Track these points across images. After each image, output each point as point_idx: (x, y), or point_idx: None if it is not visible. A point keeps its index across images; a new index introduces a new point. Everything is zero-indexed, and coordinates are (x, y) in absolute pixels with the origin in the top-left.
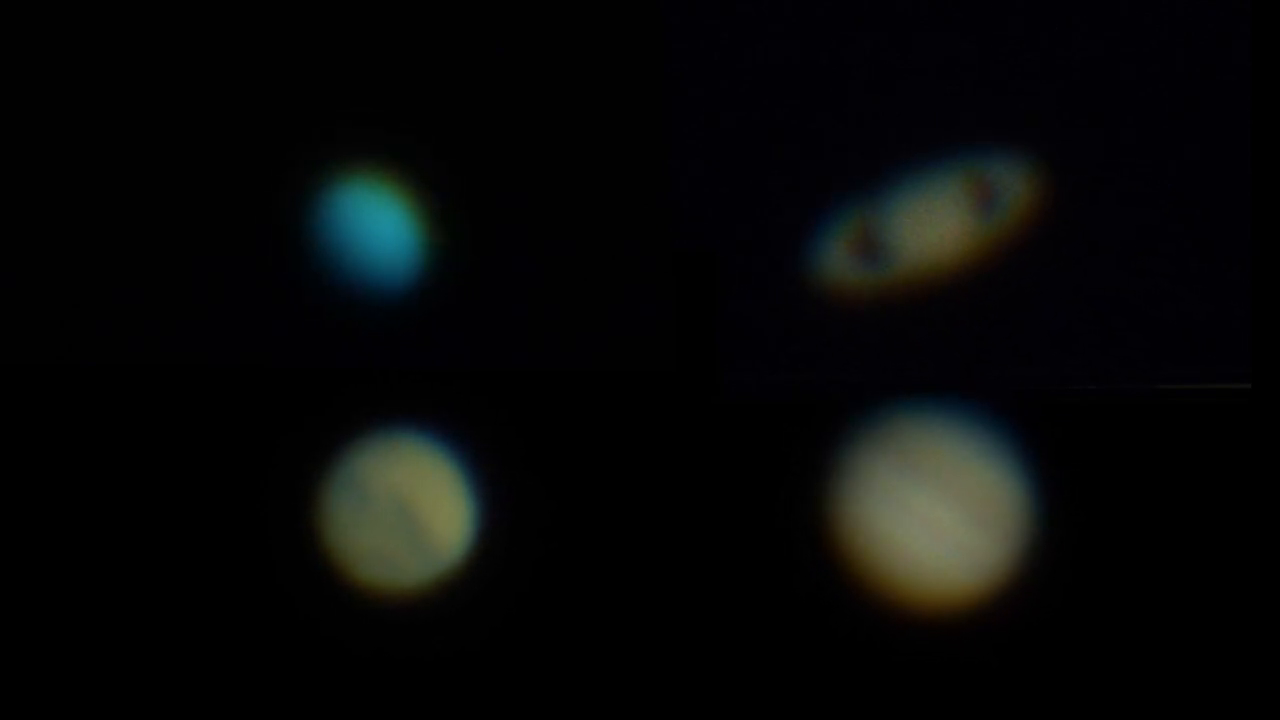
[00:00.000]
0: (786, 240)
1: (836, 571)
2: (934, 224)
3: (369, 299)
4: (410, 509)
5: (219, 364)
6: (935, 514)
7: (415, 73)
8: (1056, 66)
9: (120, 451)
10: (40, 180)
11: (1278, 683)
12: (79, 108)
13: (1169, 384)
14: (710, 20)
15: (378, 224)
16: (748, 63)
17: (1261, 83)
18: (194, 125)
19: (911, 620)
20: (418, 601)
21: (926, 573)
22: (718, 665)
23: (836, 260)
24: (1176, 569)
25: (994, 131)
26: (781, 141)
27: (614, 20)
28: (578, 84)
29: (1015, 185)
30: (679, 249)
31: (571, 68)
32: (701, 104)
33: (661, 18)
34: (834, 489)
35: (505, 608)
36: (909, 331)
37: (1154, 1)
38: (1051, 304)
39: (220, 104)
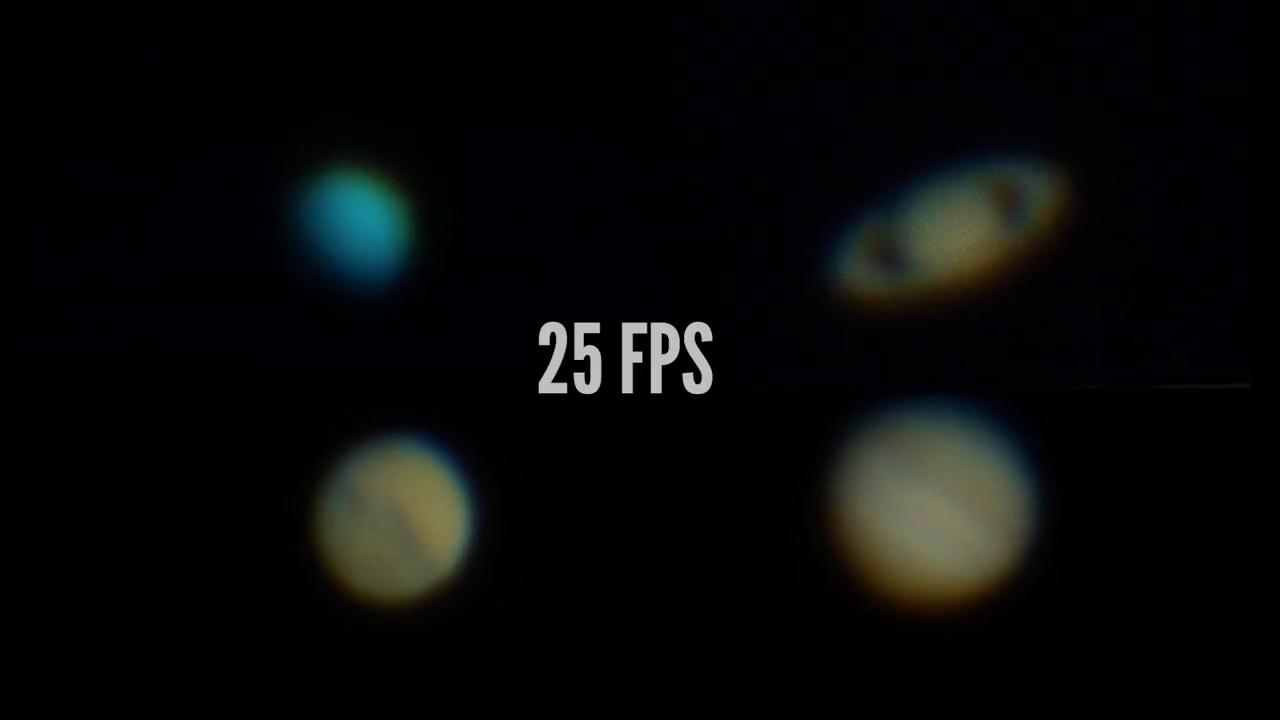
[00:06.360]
0: (788, 241)
1: (838, 572)
2: (933, 226)
3: (363, 299)
4: (404, 510)
5: (212, 366)
6: (937, 514)
7: (408, 70)
8: (1050, 69)
9: (114, 452)
10: (34, 179)
11: (1278, 683)
12: (70, 106)
13: (1169, 384)
14: (720, 14)
15: (369, 224)
16: (755, 60)
17: (1260, 83)
18: (187, 126)
19: (914, 620)
20: (412, 605)
21: (929, 573)
22: (719, 667)
23: (837, 261)
24: (1177, 569)
25: (990, 135)
26: (782, 142)
27: (614, 14)
28: (577, 81)
29: (1011, 189)
30: (679, 250)
31: (569, 63)
32: (705, 101)
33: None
34: (835, 489)
35: (502, 611)
36: (909, 332)
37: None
38: (1050, 305)
39: (212, 105)
